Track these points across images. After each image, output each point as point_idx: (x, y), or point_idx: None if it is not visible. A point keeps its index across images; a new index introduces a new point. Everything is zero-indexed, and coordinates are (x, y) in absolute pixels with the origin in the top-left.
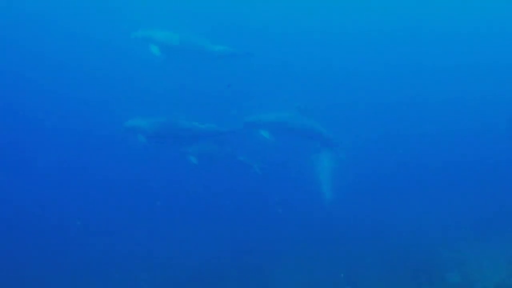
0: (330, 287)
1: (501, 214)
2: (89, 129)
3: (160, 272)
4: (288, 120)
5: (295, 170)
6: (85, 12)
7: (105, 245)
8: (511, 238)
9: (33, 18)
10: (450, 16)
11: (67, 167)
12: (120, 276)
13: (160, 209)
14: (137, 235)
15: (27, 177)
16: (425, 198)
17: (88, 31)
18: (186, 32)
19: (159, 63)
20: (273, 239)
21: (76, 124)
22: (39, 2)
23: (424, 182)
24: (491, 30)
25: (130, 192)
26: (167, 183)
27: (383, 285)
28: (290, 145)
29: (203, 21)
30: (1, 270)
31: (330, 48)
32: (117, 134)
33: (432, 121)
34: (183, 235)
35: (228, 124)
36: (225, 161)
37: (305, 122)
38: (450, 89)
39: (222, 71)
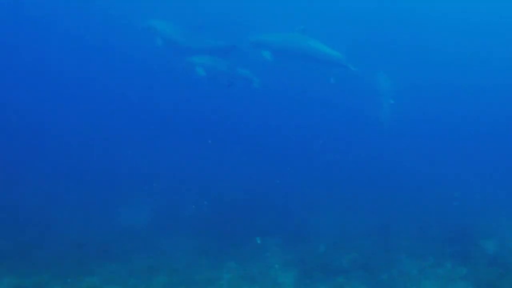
0: (360, 239)
1: None
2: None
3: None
4: (292, 41)
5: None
6: None
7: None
8: None
9: None
10: None
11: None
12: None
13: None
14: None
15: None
16: (468, 163)
17: None
18: None
19: None
20: (308, 182)
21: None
22: None
23: (467, 149)
24: None
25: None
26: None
27: (416, 245)
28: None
29: None
30: None
31: None
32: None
33: None
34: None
35: (232, 40)
36: (227, 74)
37: (310, 44)
38: None
39: None
